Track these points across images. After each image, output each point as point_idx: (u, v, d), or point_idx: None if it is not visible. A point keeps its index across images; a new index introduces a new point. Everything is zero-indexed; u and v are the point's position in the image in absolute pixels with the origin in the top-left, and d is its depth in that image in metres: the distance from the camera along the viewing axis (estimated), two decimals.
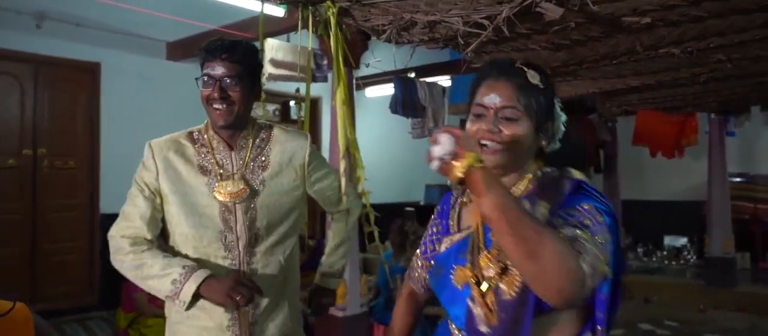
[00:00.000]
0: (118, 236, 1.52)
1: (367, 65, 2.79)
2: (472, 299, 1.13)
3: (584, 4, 2.08)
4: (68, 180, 4.96)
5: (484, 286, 1.11)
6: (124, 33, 5.07)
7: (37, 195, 4.78)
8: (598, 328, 1.10)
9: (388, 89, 5.98)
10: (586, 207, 1.04)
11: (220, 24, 4.76)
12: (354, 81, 3.76)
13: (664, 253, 8.04)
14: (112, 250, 1.52)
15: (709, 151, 6.44)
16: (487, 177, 0.94)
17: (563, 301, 0.94)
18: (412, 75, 5.26)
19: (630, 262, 7.69)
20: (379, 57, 2.80)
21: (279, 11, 3.50)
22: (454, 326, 1.21)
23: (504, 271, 1.08)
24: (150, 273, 1.45)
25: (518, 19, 2.13)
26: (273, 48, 3.85)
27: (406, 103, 4.69)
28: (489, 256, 1.11)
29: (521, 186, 1.15)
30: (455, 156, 0.95)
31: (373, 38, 2.92)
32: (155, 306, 3.77)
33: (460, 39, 2.33)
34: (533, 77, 1.12)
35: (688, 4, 2.21)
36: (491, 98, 1.12)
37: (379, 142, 6.78)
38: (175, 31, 5.26)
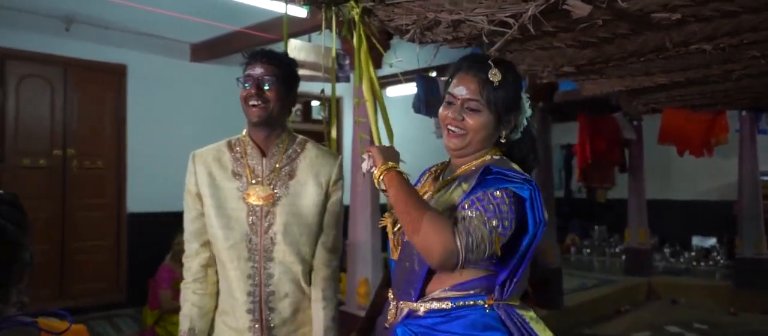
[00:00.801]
0: (186, 262, 1.71)
1: (391, 65, 2.78)
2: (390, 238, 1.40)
3: (612, 1, 2.03)
4: (96, 180, 5.06)
5: (396, 226, 1.38)
6: (149, 35, 5.15)
7: (67, 194, 4.89)
8: (497, 284, 1.26)
9: (409, 89, 5.95)
10: (497, 194, 1.19)
11: (242, 25, 4.80)
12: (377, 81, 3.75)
13: (692, 253, 7.88)
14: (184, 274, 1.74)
15: (740, 149, 6.28)
16: (390, 177, 1.28)
17: (438, 266, 1.19)
18: (433, 74, 5.23)
19: (656, 262, 7.55)
20: (401, 56, 2.79)
21: (302, 12, 3.50)
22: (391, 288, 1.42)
23: None
24: (181, 314, 1.70)
25: (544, 17, 2.08)
26: (295, 49, 3.87)
27: (430, 102, 4.66)
28: None
29: (466, 167, 1.32)
30: (376, 167, 1.31)
31: (395, 38, 2.90)
32: (179, 303, 3.81)
33: (484, 38, 2.29)
34: (494, 75, 1.26)
35: None
36: (459, 90, 1.29)
37: (402, 141, 6.74)
38: (198, 33, 5.33)
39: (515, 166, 1.27)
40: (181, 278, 1.74)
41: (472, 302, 1.25)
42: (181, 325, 1.67)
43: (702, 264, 7.62)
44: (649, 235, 7.04)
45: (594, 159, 6.45)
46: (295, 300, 1.62)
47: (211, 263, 1.66)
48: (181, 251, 1.76)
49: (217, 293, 1.67)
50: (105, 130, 5.12)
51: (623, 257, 7.55)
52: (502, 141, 1.33)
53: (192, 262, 1.67)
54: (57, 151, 4.85)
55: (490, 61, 1.28)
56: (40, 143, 4.78)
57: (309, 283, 1.65)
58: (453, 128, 1.30)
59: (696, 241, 8.19)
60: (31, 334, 0.90)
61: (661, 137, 6.40)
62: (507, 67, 1.30)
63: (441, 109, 1.33)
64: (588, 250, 8.66)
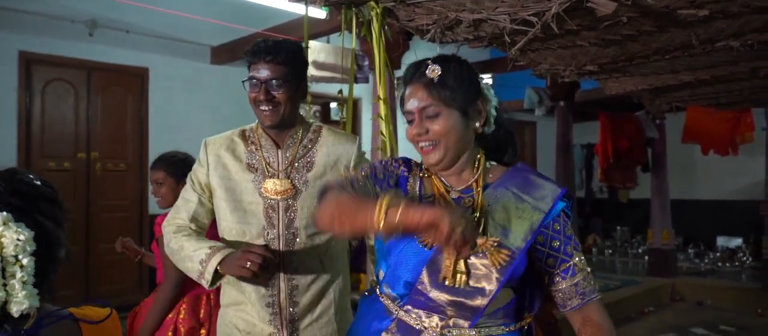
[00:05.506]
0: (166, 227, 1.61)
1: None
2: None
3: None
4: (119, 182, 5.13)
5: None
6: (170, 38, 5.21)
7: (90, 196, 4.97)
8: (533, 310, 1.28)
9: None
10: (567, 219, 1.22)
11: (262, 27, 4.83)
12: (395, 81, 3.74)
13: (717, 254, 7.72)
14: (164, 240, 1.62)
15: (767, 147, 6.13)
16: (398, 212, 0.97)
17: None
18: None
19: (680, 263, 7.41)
20: (421, 56, 2.76)
21: (321, 13, 3.51)
22: (387, 299, 1.24)
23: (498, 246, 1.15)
24: (185, 254, 1.52)
25: (568, 15, 2.06)
26: (315, 50, 3.88)
27: None
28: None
29: (480, 174, 1.21)
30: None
31: (415, 37, 2.89)
32: None
33: (506, 37, 2.28)
34: (433, 71, 1.16)
35: None
36: (411, 103, 1.18)
37: None
38: (219, 36, 5.38)
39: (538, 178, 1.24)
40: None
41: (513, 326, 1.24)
42: (192, 266, 1.49)
43: (727, 265, 7.46)
44: (673, 235, 6.91)
45: (616, 158, 6.35)
46: (320, 285, 1.58)
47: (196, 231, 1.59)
48: None
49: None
50: (127, 133, 5.20)
51: (646, 258, 7.42)
52: (479, 131, 1.22)
53: (184, 230, 1.56)
54: (81, 154, 4.93)
55: (427, 61, 1.19)
56: (65, 146, 4.86)
57: (328, 259, 1.61)
58: (424, 143, 1.18)
59: (721, 241, 8.02)
60: (71, 328, 0.90)
61: (685, 136, 6.29)
62: (448, 59, 1.22)
63: (406, 131, 1.21)
64: (610, 251, 8.55)
